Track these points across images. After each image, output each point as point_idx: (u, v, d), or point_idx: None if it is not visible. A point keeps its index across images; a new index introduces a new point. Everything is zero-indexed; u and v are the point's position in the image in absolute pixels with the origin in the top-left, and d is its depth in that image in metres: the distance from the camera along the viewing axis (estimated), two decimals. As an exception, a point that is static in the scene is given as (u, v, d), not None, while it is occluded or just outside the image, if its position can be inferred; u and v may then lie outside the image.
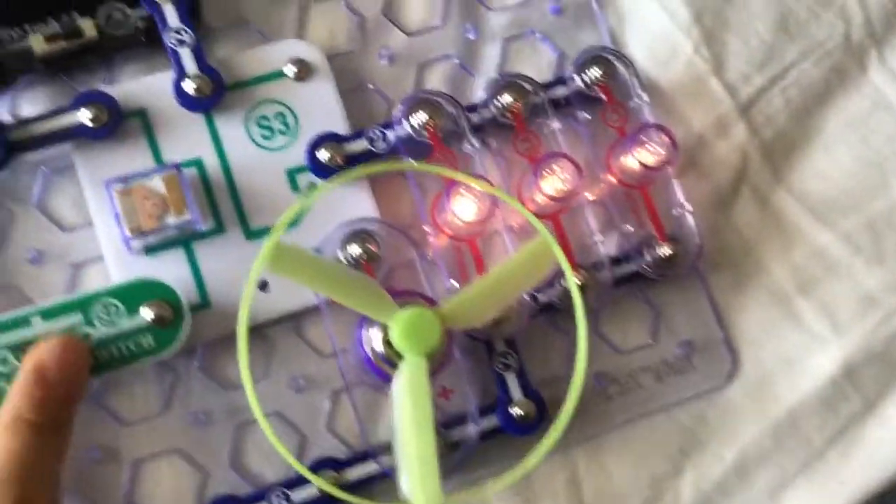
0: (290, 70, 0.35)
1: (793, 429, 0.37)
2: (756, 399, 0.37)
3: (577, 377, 0.29)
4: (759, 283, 0.38)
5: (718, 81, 0.39)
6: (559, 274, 0.34)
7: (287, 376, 0.34)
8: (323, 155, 0.34)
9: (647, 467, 0.36)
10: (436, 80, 0.38)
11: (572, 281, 0.30)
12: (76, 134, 0.32)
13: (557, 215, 0.35)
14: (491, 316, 0.31)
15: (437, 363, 0.30)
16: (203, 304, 0.33)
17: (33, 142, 0.32)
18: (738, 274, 0.38)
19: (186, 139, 0.34)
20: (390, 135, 0.35)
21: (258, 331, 0.34)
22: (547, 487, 0.35)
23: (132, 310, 0.31)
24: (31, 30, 0.33)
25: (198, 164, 0.34)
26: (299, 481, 0.32)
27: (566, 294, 0.35)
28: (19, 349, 0.30)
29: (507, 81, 0.36)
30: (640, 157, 0.35)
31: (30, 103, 0.34)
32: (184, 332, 0.31)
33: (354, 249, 0.33)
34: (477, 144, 0.35)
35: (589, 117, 0.37)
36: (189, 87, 0.33)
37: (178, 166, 0.32)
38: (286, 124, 0.35)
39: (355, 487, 0.33)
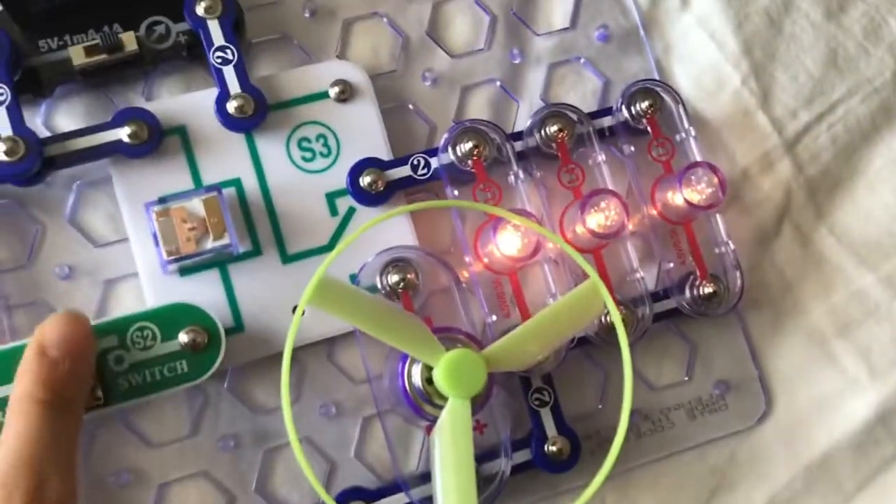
0: (333, 91, 0.34)
1: (824, 473, 0.37)
2: (788, 441, 0.37)
3: (621, 429, 0.28)
4: (797, 323, 0.38)
5: (765, 116, 0.38)
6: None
7: (318, 402, 0.34)
8: (364, 180, 0.33)
9: (675, 505, 0.36)
10: (479, 104, 0.37)
11: (620, 327, 0.30)
12: (115, 151, 0.32)
13: (599, 250, 0.35)
14: (534, 361, 0.31)
15: (478, 403, 0.30)
16: (236, 327, 0.32)
17: (71, 157, 0.32)
18: (776, 313, 0.38)
19: (226, 159, 0.33)
20: (433, 162, 0.34)
21: (292, 355, 0.33)
22: (576, 522, 0.35)
23: (168, 334, 0.30)
24: (72, 41, 0.33)
25: (236, 184, 0.33)
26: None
27: (604, 329, 0.34)
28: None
29: (553, 111, 0.35)
30: (688, 195, 0.34)
31: (66, 114, 0.34)
32: (219, 359, 0.30)
33: (393, 278, 0.33)
34: (521, 175, 0.34)
35: (633, 149, 0.36)
36: (231, 106, 0.33)
37: (218, 189, 0.31)
38: (327, 146, 0.34)
39: (384, 519, 0.32)
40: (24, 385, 0.28)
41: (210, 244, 0.31)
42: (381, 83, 0.36)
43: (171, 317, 0.30)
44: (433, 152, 0.34)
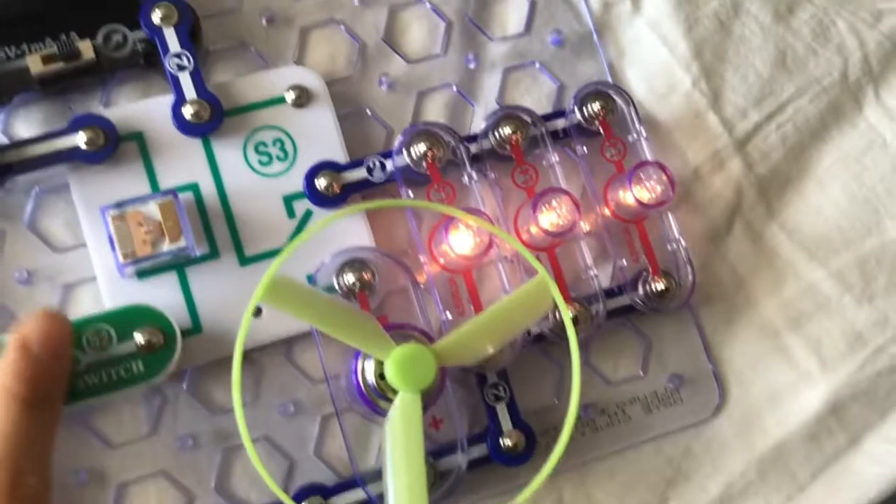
0: (289, 96, 0.35)
1: (778, 463, 0.37)
2: (742, 433, 0.38)
3: (569, 417, 0.29)
4: (750, 317, 0.38)
5: (716, 116, 0.39)
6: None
7: (276, 401, 0.34)
8: (320, 183, 0.34)
9: (632, 498, 0.37)
10: (435, 108, 0.38)
11: (569, 321, 0.30)
12: (72, 157, 0.32)
13: (553, 248, 0.36)
14: (484, 355, 0.31)
15: (429, 398, 0.31)
16: (194, 329, 0.33)
17: (28, 164, 0.32)
18: (729, 308, 0.38)
19: (183, 163, 0.34)
20: (388, 164, 0.35)
21: (248, 355, 0.34)
22: (533, 515, 0.36)
23: (124, 335, 0.31)
24: (29, 49, 0.33)
25: (194, 188, 0.34)
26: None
27: (558, 326, 0.35)
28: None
29: (507, 113, 0.36)
30: (638, 194, 0.35)
31: (24, 122, 0.34)
32: (174, 359, 0.31)
33: (349, 278, 0.33)
34: (475, 176, 0.35)
35: (587, 150, 0.37)
36: (187, 112, 0.33)
37: (174, 193, 0.32)
38: (284, 150, 0.35)
39: (343, 515, 0.33)
40: (5, 382, 0.28)
41: (166, 247, 0.31)
42: (339, 88, 0.37)
43: (127, 318, 0.31)
44: (389, 155, 0.35)
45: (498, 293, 0.35)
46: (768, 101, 0.40)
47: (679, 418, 0.37)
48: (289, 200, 0.34)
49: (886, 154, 0.40)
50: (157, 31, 0.33)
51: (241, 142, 0.34)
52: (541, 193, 0.34)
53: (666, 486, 0.37)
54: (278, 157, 0.35)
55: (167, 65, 0.33)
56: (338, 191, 0.34)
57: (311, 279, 0.34)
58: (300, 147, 0.35)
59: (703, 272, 0.38)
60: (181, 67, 0.33)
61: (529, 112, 0.36)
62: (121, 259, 0.31)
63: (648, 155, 0.37)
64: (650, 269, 0.36)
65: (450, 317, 0.34)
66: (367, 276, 0.33)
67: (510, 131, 0.36)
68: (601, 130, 0.37)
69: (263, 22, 0.37)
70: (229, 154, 0.34)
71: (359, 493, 0.33)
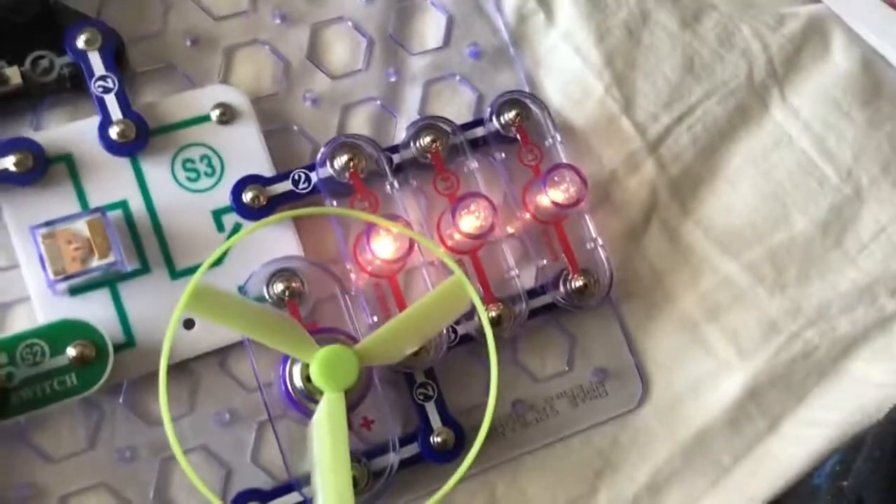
0: (214, 114, 0.36)
1: (702, 449, 0.39)
2: (666, 422, 0.39)
3: (487, 415, 0.30)
4: (669, 311, 0.40)
5: (628, 121, 0.41)
6: (476, 307, 0.36)
7: (212, 410, 0.35)
8: (247, 196, 0.35)
9: (563, 489, 0.38)
10: (359, 122, 0.39)
11: (485, 319, 0.32)
12: (2, 180, 0.33)
13: (475, 251, 0.37)
14: (408, 352, 0.33)
15: (355, 397, 0.32)
16: (128, 343, 0.34)
17: (-42, 187, 0.33)
18: (648, 303, 0.40)
19: (112, 182, 0.35)
20: (313, 176, 0.36)
21: (183, 366, 0.35)
22: (466, 510, 0.37)
23: (56, 350, 0.31)
24: (-43, 77, 0.34)
25: (123, 206, 0.35)
26: (225, 514, 0.33)
27: (481, 326, 0.36)
28: (-56, 391, 0.30)
29: (427, 123, 0.38)
30: (552, 195, 0.37)
31: (-44, 148, 0.35)
32: (107, 371, 0.32)
33: (278, 287, 0.34)
34: (397, 185, 0.36)
35: (505, 156, 0.39)
36: (113, 132, 0.34)
37: (102, 210, 0.33)
38: (211, 166, 0.36)
39: (279, 518, 0.34)
40: None
41: (95, 263, 0.32)
42: (265, 106, 0.38)
43: (59, 333, 0.32)
44: (314, 167, 0.36)
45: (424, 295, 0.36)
46: (678, 104, 0.42)
47: (605, 411, 0.39)
48: (217, 215, 0.36)
49: (792, 151, 0.42)
50: (82, 56, 0.35)
51: (169, 159, 0.36)
52: (459, 199, 0.36)
53: (595, 477, 0.38)
54: (206, 173, 0.36)
55: (92, 87, 0.34)
56: (264, 203, 0.35)
57: (241, 290, 0.35)
58: (227, 163, 0.36)
59: (623, 270, 0.40)
60: (106, 90, 0.35)
61: (448, 122, 0.38)
62: (51, 276, 0.32)
63: (564, 158, 0.38)
64: (570, 268, 0.38)
65: (376, 320, 0.35)
66: (295, 284, 0.35)
67: (430, 140, 0.37)
68: (518, 137, 0.39)
69: (188, 43, 0.38)
70: (157, 172, 0.35)
71: (295, 497, 0.34)
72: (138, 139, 0.35)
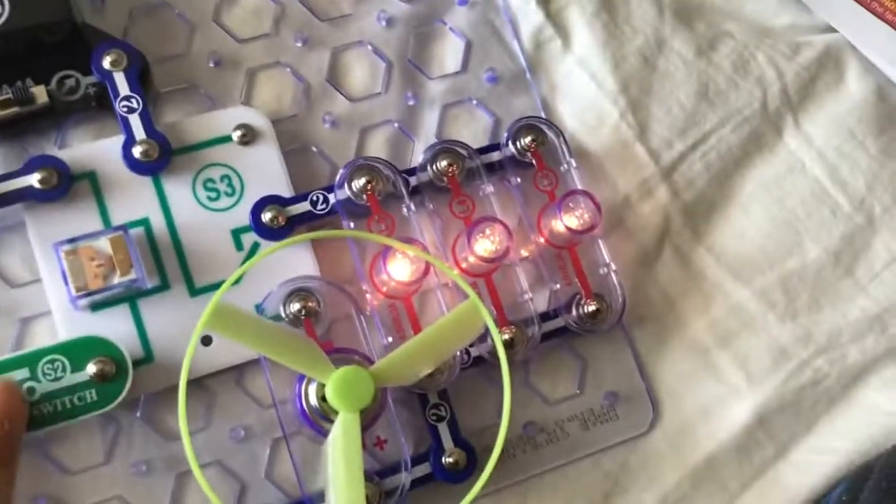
0: (235, 135, 0.37)
1: (710, 474, 0.39)
2: (676, 446, 0.39)
3: (500, 437, 0.31)
4: (680, 336, 0.40)
5: (643, 147, 0.42)
6: (489, 330, 0.36)
7: (228, 426, 0.35)
8: (266, 216, 0.36)
9: (573, 511, 0.38)
10: (377, 144, 0.40)
11: (499, 342, 0.32)
12: (26, 196, 0.34)
13: (490, 274, 0.37)
14: (422, 375, 0.33)
15: (369, 417, 0.32)
16: (147, 358, 0.34)
17: (-15, 203, 0.34)
18: (660, 328, 0.40)
19: (134, 200, 0.35)
20: (331, 197, 0.37)
21: (200, 382, 0.35)
22: (478, 531, 0.37)
23: (77, 365, 0.32)
24: (-14, 95, 0.35)
25: (145, 223, 0.35)
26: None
27: (496, 348, 0.37)
28: (-33, 404, 0.31)
29: (444, 147, 0.38)
30: (567, 221, 0.37)
31: (-17, 164, 0.36)
32: (126, 388, 0.32)
33: (295, 306, 0.35)
34: (413, 207, 0.37)
35: (521, 181, 0.39)
36: (137, 151, 0.35)
37: (124, 228, 0.33)
38: (231, 186, 0.37)
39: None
40: None
41: (117, 280, 0.33)
42: (285, 126, 0.39)
43: (80, 349, 0.32)
44: (332, 188, 0.37)
45: (437, 318, 0.37)
46: (692, 131, 0.42)
47: (615, 434, 0.39)
48: (237, 234, 0.36)
49: (805, 178, 0.42)
50: (108, 76, 0.35)
51: (190, 178, 0.36)
52: (475, 222, 0.36)
53: (604, 500, 0.39)
54: (226, 193, 0.36)
55: (117, 107, 0.35)
56: (283, 223, 0.36)
57: (259, 308, 0.35)
58: (247, 183, 0.37)
59: (636, 294, 0.40)
60: (130, 109, 0.35)
61: (465, 146, 0.38)
62: (74, 292, 0.32)
63: (578, 184, 0.39)
64: (583, 292, 0.38)
65: (391, 341, 0.35)
66: (312, 304, 0.35)
67: (447, 164, 0.38)
68: (534, 162, 0.39)
69: (211, 64, 0.39)
70: (179, 190, 0.36)
71: (308, 513, 0.35)
72: (161, 158, 0.35)
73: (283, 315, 0.35)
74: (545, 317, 0.38)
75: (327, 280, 0.36)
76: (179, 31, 0.39)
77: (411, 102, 0.41)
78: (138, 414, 0.35)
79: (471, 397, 0.38)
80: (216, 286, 0.35)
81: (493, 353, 0.37)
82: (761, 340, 0.41)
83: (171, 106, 0.38)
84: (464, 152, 0.38)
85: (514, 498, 0.38)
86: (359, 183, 0.36)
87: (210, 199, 0.36)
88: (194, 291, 0.35)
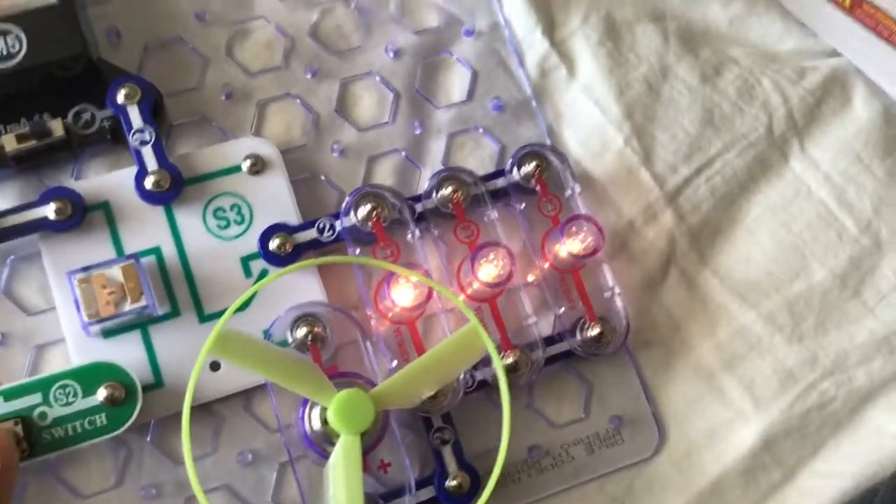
0: (245, 164, 0.38)
1: (716, 499, 0.39)
2: (682, 470, 0.39)
3: (500, 458, 0.31)
4: (686, 359, 0.41)
5: (647, 172, 0.42)
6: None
7: (235, 451, 0.36)
8: (273, 244, 0.37)
9: (579, 536, 0.38)
10: (385, 172, 0.41)
11: (499, 366, 0.33)
12: (42, 226, 0.35)
13: (494, 298, 0.38)
14: (423, 397, 0.34)
15: (372, 440, 0.33)
16: (157, 383, 0.35)
17: (3, 233, 0.35)
18: (666, 352, 0.41)
19: (146, 229, 0.37)
20: (337, 225, 0.38)
21: (208, 407, 0.36)
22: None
23: (88, 390, 0.33)
24: (5, 129, 0.36)
25: (156, 252, 0.36)
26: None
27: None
28: (-19, 428, 0.32)
29: (449, 174, 0.39)
30: (569, 246, 0.38)
31: (0, 197, 0.37)
32: (136, 412, 0.33)
33: (302, 331, 0.36)
34: (419, 234, 0.38)
35: (525, 206, 0.40)
36: (149, 182, 0.36)
37: (136, 256, 0.34)
38: (241, 215, 0.38)
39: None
40: None
41: (128, 307, 0.34)
42: (294, 156, 0.40)
43: (91, 374, 0.33)
44: (338, 216, 0.38)
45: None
46: (697, 156, 0.42)
47: (621, 458, 0.39)
48: (246, 261, 0.37)
49: (811, 202, 0.43)
50: (122, 109, 0.37)
51: (201, 208, 0.37)
52: (478, 247, 0.37)
53: (610, 523, 0.39)
54: (236, 221, 0.37)
55: (130, 139, 0.36)
56: (290, 250, 0.37)
57: (266, 334, 0.36)
58: (256, 211, 0.38)
59: (641, 318, 0.40)
60: (143, 142, 0.36)
61: (470, 173, 0.39)
62: (86, 318, 0.33)
63: (582, 209, 0.39)
64: (587, 316, 0.39)
65: (396, 365, 0.36)
66: (318, 329, 0.36)
67: (451, 190, 0.38)
68: (538, 188, 0.40)
69: (223, 97, 0.40)
70: (189, 219, 0.37)
71: (314, 535, 0.35)
72: (172, 189, 0.36)
73: (290, 340, 0.36)
74: (550, 340, 0.39)
75: (333, 306, 0.37)
76: (193, 64, 0.40)
77: (418, 131, 0.41)
78: (148, 438, 0.36)
79: (475, 421, 0.38)
80: (225, 312, 0.36)
81: (496, 376, 0.37)
82: (767, 363, 0.41)
83: (183, 138, 0.39)
84: (468, 179, 0.39)
85: (519, 521, 0.38)
86: (364, 210, 0.37)
87: (220, 227, 0.37)
88: (203, 318, 0.36)
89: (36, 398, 0.33)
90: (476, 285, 0.37)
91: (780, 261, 0.42)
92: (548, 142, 0.42)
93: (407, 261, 0.37)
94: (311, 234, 0.38)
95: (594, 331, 0.38)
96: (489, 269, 0.37)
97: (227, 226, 0.37)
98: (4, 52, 0.35)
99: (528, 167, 0.40)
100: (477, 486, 0.36)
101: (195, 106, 0.40)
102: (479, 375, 0.37)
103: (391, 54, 0.42)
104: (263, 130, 0.40)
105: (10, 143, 0.36)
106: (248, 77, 0.41)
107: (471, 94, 0.42)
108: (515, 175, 0.40)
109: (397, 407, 0.34)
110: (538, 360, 0.38)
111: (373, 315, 0.37)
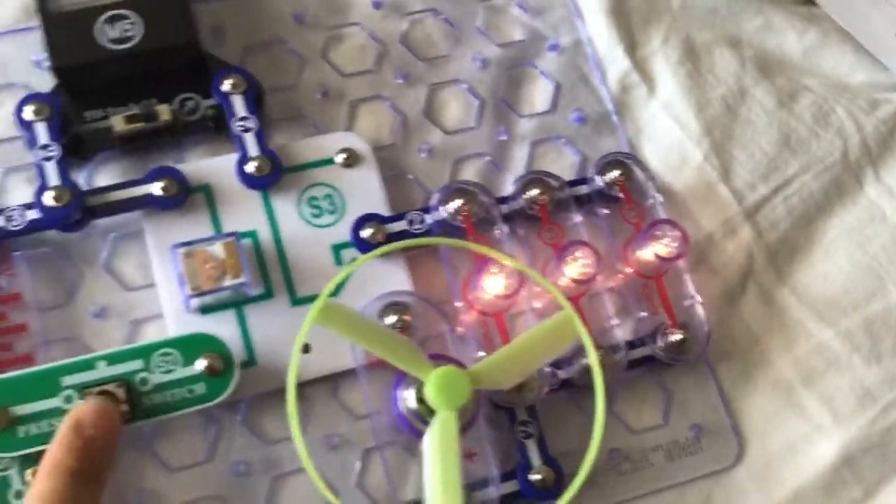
0: (339, 157, 0.39)
1: (796, 512, 0.39)
2: (760, 483, 0.39)
3: (594, 441, 0.31)
4: (765, 373, 0.41)
5: (726, 187, 0.43)
6: (578, 352, 0.37)
7: (321, 434, 0.36)
8: (366, 232, 0.38)
9: (656, 543, 0.38)
10: (469, 174, 0.42)
11: (591, 349, 0.33)
12: (147, 203, 0.36)
13: (578, 299, 0.38)
14: (516, 381, 0.34)
15: (464, 421, 0.33)
16: (249, 361, 0.36)
17: (108, 208, 0.36)
18: (745, 364, 0.41)
19: (244, 213, 0.38)
20: (427, 218, 0.38)
21: (299, 389, 0.36)
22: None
23: (188, 360, 0.33)
24: (113, 112, 0.38)
25: (253, 235, 0.37)
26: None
27: (584, 371, 0.37)
28: (83, 390, 0.32)
29: (535, 177, 0.40)
30: (655, 249, 0.38)
31: (105, 177, 0.38)
32: (233, 383, 0.34)
33: (391, 319, 0.36)
34: (506, 230, 0.38)
35: (608, 212, 0.40)
36: (250, 167, 0.37)
37: (236, 235, 0.35)
38: (333, 205, 0.38)
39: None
40: (59, 454, 0.30)
41: (228, 282, 0.34)
42: (383, 154, 0.41)
43: (192, 344, 0.34)
44: (428, 210, 0.39)
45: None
46: (774, 176, 0.43)
47: (700, 467, 0.39)
48: (337, 249, 0.38)
49: (886, 226, 0.43)
50: (227, 98, 0.38)
51: (296, 196, 0.38)
52: (567, 245, 0.38)
53: (688, 533, 0.38)
54: (328, 211, 0.38)
55: (233, 126, 0.38)
56: (381, 239, 0.37)
57: (358, 315, 0.36)
58: (348, 202, 0.39)
59: (720, 330, 0.41)
60: (246, 129, 0.38)
61: (556, 177, 0.40)
62: (189, 292, 0.34)
63: (664, 216, 0.40)
64: (668, 322, 0.39)
65: (483, 355, 0.36)
66: (407, 317, 0.36)
67: (538, 192, 0.39)
68: (621, 195, 0.40)
69: (318, 96, 0.41)
70: (285, 206, 0.38)
71: (398, 523, 0.35)
72: (271, 175, 0.37)
73: (379, 328, 0.36)
74: (630, 345, 0.39)
75: (421, 296, 0.37)
76: (291, 64, 0.42)
77: (503, 137, 0.42)
78: (239, 417, 0.36)
79: (555, 421, 0.38)
80: (315, 297, 0.37)
81: (581, 376, 0.37)
82: (846, 381, 0.41)
83: (279, 133, 0.40)
84: (554, 183, 0.40)
85: (597, 525, 0.38)
86: (455, 204, 0.38)
87: (313, 215, 0.38)
88: (296, 301, 0.37)
89: (138, 364, 0.33)
90: (561, 283, 0.38)
91: (857, 281, 0.42)
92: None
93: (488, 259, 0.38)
94: (402, 225, 0.38)
95: (676, 336, 0.39)
96: (576, 266, 0.37)
97: (320, 214, 0.38)
98: (121, 36, 0.36)
99: (612, 174, 0.40)
100: (561, 482, 0.36)
101: (291, 103, 0.41)
102: (562, 374, 0.37)
103: (478, 63, 0.43)
104: (354, 128, 0.41)
105: (119, 124, 0.37)
106: (341, 78, 0.42)
107: (554, 106, 0.44)
108: (599, 182, 0.41)
109: (491, 387, 0.34)
110: (620, 362, 0.38)
111: (461, 306, 0.37)
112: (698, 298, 0.39)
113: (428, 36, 0.44)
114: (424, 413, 0.33)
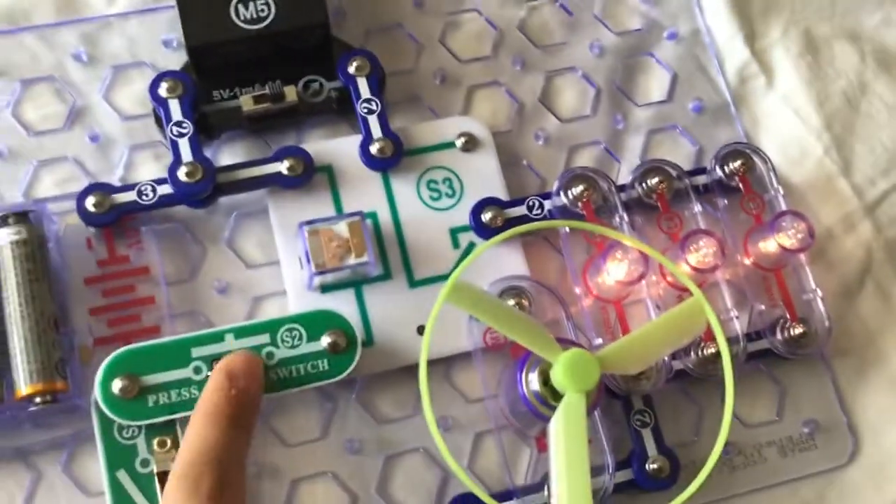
0: (459, 142, 0.39)
1: (914, 514, 0.38)
2: (876, 482, 0.38)
3: (722, 433, 0.31)
4: (881, 371, 0.40)
5: (846, 182, 0.42)
6: (696, 343, 0.37)
7: (436, 415, 0.36)
8: (485, 216, 0.38)
9: (768, 538, 0.38)
10: (584, 162, 0.41)
11: (721, 337, 0.32)
12: (273, 181, 0.37)
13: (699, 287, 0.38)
14: (642, 367, 0.34)
15: (589, 405, 0.33)
16: (367, 341, 0.36)
17: (237, 185, 0.37)
18: (861, 361, 0.40)
19: (365, 194, 0.38)
20: (547, 204, 0.38)
21: (412, 371, 0.36)
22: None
23: (313, 336, 0.34)
24: (241, 92, 0.38)
25: (373, 216, 0.38)
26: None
27: (700, 362, 0.37)
28: (212, 361, 0.33)
29: (654, 165, 0.39)
30: (780, 240, 0.38)
31: (229, 157, 0.39)
32: (356, 360, 0.34)
33: (510, 302, 0.36)
34: (626, 217, 0.38)
35: (726, 202, 0.40)
36: (374, 148, 0.38)
37: (361, 214, 0.36)
38: (452, 188, 0.39)
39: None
40: (215, 401, 0.31)
41: (352, 260, 0.35)
42: (498, 140, 0.41)
43: (317, 321, 0.34)
44: (548, 195, 0.39)
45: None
46: (895, 171, 0.42)
47: (813, 463, 0.38)
48: (454, 232, 0.38)
49: None
50: (352, 80, 0.38)
51: (416, 178, 0.38)
52: (690, 233, 0.37)
53: (801, 529, 0.38)
54: (447, 194, 0.38)
55: (358, 108, 0.38)
56: (500, 224, 0.38)
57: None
58: (466, 186, 0.39)
59: (837, 326, 0.40)
60: (370, 111, 0.38)
61: (675, 166, 0.40)
62: (314, 269, 0.35)
63: (786, 208, 0.39)
64: (788, 316, 0.38)
65: (601, 342, 0.36)
66: (525, 301, 0.36)
67: (657, 181, 0.39)
68: (740, 186, 0.40)
69: (436, 81, 0.42)
70: (404, 188, 0.38)
71: (509, 505, 0.35)
72: (393, 157, 0.38)
73: (496, 312, 0.36)
74: (748, 338, 0.38)
75: (539, 281, 0.37)
76: (409, 49, 0.42)
77: (619, 126, 0.42)
78: (354, 395, 0.36)
79: (669, 412, 0.38)
80: (432, 280, 0.37)
81: (697, 367, 0.37)
82: (967, 385, 0.39)
83: (397, 115, 0.41)
84: (673, 172, 0.39)
85: (709, 518, 0.37)
86: (576, 190, 0.38)
87: (432, 198, 0.38)
88: (413, 283, 0.37)
89: (264, 338, 0.34)
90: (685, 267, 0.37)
91: (979, 286, 0.41)
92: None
93: (614, 243, 0.38)
94: (521, 210, 0.38)
95: (797, 330, 0.38)
96: (699, 255, 0.37)
97: (439, 198, 0.38)
98: (254, 16, 0.37)
99: (733, 165, 0.40)
100: (676, 471, 0.36)
101: (410, 87, 0.41)
102: (676, 365, 0.37)
103: (595, 51, 0.43)
104: (471, 114, 0.41)
105: (247, 104, 0.38)
106: (459, 64, 0.42)
107: (671, 95, 0.43)
108: (718, 172, 0.40)
109: (619, 372, 0.34)
110: (739, 355, 0.37)
111: (580, 291, 0.37)
112: (819, 293, 0.39)
113: (545, 23, 0.44)
114: (547, 396, 0.33)
